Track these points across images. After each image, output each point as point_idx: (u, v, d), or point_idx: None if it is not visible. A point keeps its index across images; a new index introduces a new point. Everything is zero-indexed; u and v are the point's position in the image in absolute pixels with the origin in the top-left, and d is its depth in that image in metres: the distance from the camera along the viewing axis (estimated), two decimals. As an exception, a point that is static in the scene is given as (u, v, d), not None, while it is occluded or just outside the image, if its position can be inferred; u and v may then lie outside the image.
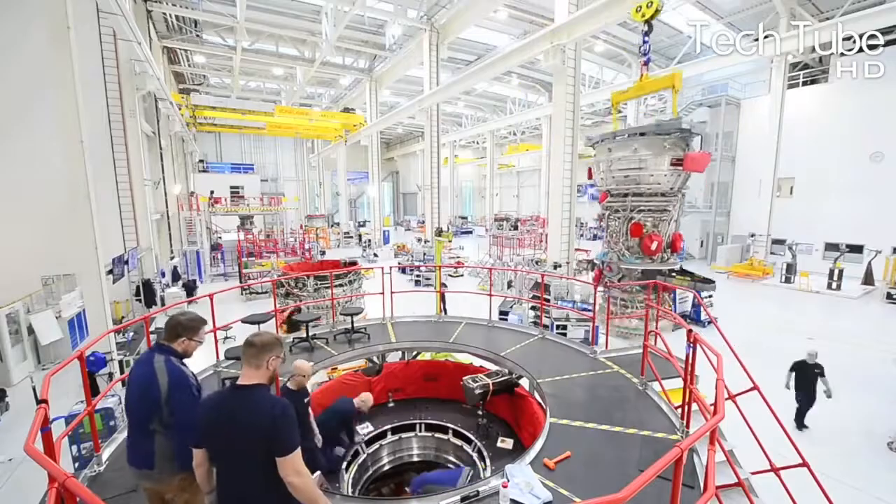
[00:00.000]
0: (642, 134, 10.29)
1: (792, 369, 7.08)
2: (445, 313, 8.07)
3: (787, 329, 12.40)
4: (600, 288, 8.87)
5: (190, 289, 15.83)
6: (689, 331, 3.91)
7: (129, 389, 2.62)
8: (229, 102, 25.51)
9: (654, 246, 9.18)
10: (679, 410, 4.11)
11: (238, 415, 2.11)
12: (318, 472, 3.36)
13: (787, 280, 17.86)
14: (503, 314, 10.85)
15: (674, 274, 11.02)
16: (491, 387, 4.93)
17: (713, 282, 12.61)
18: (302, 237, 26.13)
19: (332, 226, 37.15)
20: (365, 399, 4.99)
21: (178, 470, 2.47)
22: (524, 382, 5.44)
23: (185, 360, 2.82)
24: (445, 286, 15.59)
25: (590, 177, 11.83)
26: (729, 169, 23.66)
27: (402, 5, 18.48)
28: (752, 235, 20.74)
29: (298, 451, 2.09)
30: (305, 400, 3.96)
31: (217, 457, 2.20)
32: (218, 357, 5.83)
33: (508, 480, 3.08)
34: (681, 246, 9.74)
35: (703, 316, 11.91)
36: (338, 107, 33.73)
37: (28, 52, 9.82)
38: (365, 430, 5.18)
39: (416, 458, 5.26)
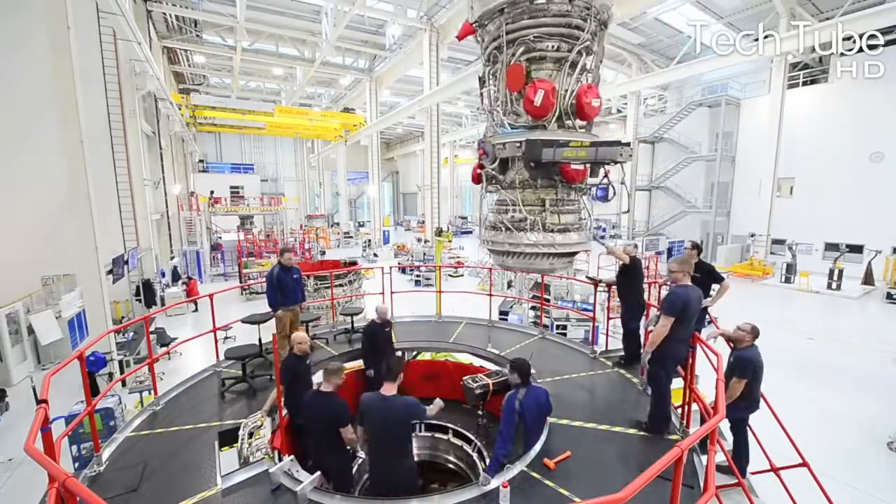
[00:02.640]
0: None
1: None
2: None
3: (788, 329, 12.41)
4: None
5: (188, 292, 15.76)
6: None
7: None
8: (229, 102, 25.51)
9: (538, 97, 4.42)
10: (679, 410, 4.11)
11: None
12: (318, 473, 3.36)
13: (787, 280, 17.86)
14: (503, 314, 10.84)
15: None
16: (491, 387, 4.92)
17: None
18: (302, 237, 26.15)
19: (332, 226, 37.17)
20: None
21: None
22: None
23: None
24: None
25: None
26: (729, 169, 23.67)
27: (402, 5, 18.48)
28: (752, 235, 20.75)
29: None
30: (308, 362, 4.70)
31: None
32: (218, 357, 5.83)
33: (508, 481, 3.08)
34: (590, 106, 4.79)
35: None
36: (338, 107, 33.74)
37: (28, 52, 9.83)
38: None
39: (415, 459, 5.25)
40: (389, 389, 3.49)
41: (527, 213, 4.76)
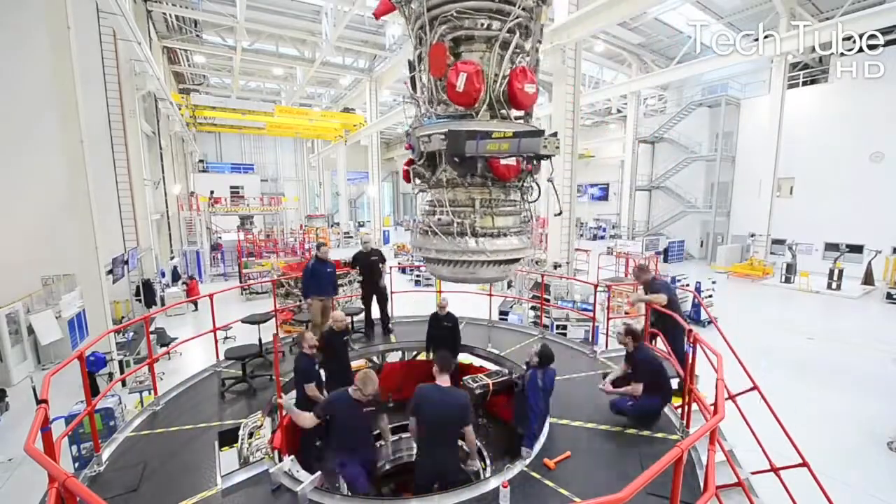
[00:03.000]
0: None
1: None
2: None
3: (788, 329, 12.41)
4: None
5: (188, 292, 15.78)
6: (689, 331, 3.91)
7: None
8: (229, 102, 25.48)
9: (460, 82, 3.73)
10: (679, 410, 4.11)
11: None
12: (319, 473, 3.36)
13: (787, 280, 17.86)
14: (503, 314, 10.85)
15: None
16: (491, 387, 4.92)
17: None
18: (302, 237, 26.13)
19: (332, 226, 37.15)
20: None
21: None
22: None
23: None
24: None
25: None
26: (729, 169, 23.67)
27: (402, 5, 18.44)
28: (752, 235, 20.75)
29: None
30: (345, 338, 5.24)
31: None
32: (218, 357, 5.83)
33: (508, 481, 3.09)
34: (523, 92, 3.95)
35: (703, 316, 11.92)
36: (338, 107, 33.71)
37: (28, 52, 9.83)
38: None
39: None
40: (444, 381, 3.54)
41: (454, 215, 4.02)
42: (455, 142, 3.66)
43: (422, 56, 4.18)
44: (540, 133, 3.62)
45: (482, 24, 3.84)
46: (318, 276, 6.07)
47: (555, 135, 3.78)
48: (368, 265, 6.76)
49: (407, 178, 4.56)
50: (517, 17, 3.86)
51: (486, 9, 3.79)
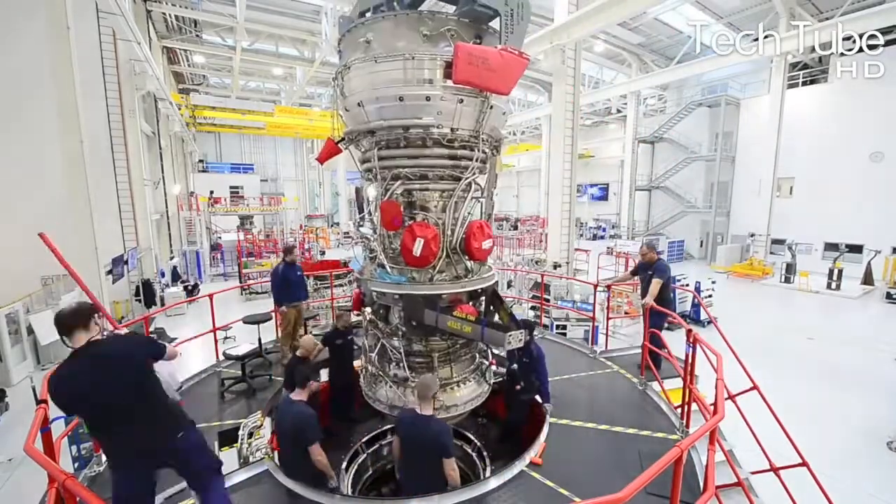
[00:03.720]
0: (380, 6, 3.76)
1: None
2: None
3: (787, 329, 12.41)
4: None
5: (190, 291, 15.84)
6: (689, 330, 3.92)
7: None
8: (229, 102, 25.48)
9: (416, 248, 3.49)
10: (679, 410, 4.11)
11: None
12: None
13: (787, 280, 17.86)
14: (503, 314, 10.83)
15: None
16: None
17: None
18: (302, 237, 26.11)
19: (332, 226, 37.14)
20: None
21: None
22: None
23: None
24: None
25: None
26: (729, 169, 23.67)
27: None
28: (752, 235, 20.75)
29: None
30: (349, 337, 5.09)
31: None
32: (217, 357, 5.83)
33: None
34: (480, 250, 3.78)
35: (703, 316, 11.92)
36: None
37: (27, 52, 9.83)
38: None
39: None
40: (426, 409, 3.28)
41: (410, 370, 3.81)
42: (412, 308, 3.58)
43: (370, 198, 3.97)
44: (506, 329, 3.45)
45: (437, 176, 3.66)
46: (289, 282, 5.69)
47: (528, 327, 3.58)
48: (338, 349, 4.96)
49: (357, 307, 4.30)
50: (473, 172, 3.75)
51: (440, 165, 3.63)
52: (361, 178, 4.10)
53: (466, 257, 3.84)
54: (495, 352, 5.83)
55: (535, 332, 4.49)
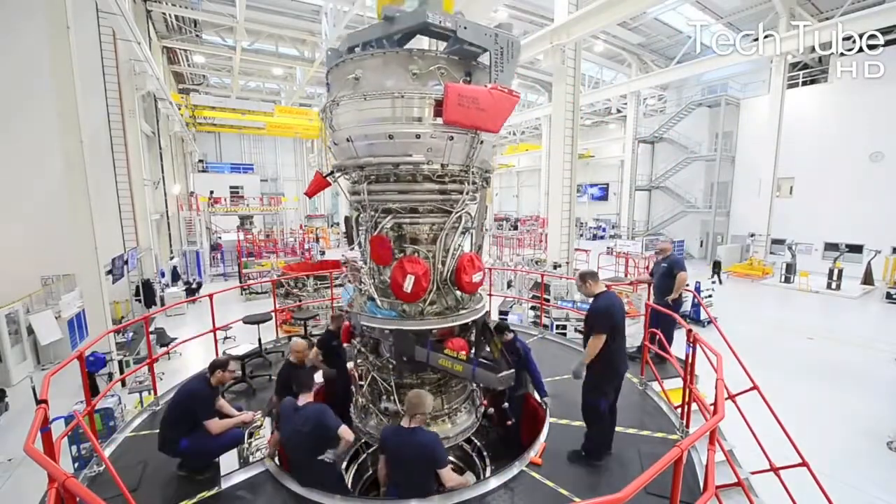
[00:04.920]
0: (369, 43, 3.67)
1: None
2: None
3: (787, 329, 12.41)
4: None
5: (194, 291, 15.86)
6: (689, 330, 3.91)
7: None
8: (229, 102, 25.50)
9: (407, 284, 3.47)
10: (679, 410, 4.11)
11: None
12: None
13: (787, 280, 17.86)
14: (503, 314, 10.84)
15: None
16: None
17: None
18: (302, 237, 26.11)
19: (332, 226, 37.13)
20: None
21: None
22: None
23: None
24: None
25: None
26: (729, 169, 23.68)
27: (402, 5, 18.43)
28: (752, 235, 20.75)
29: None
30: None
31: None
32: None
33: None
34: (471, 283, 3.78)
35: (703, 316, 11.92)
36: (338, 107, 33.68)
37: (27, 52, 9.83)
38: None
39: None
40: (415, 421, 3.13)
41: (401, 405, 3.68)
42: (403, 344, 3.56)
43: (361, 232, 3.91)
44: (496, 369, 3.43)
45: (427, 209, 3.63)
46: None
47: (513, 370, 3.50)
48: (333, 351, 4.75)
49: (346, 339, 4.25)
50: (464, 205, 3.71)
51: (430, 200, 3.60)
52: (351, 207, 4.03)
53: (457, 289, 3.83)
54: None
55: (513, 331, 4.43)
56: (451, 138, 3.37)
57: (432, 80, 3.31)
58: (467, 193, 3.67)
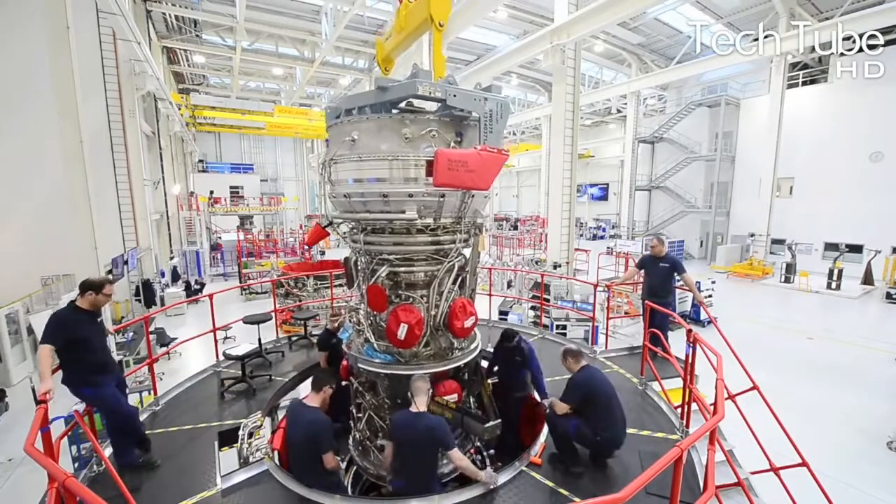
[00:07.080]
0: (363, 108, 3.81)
1: None
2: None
3: (787, 329, 12.42)
4: None
5: (197, 291, 15.88)
6: (689, 331, 3.92)
7: None
8: (229, 102, 25.48)
9: (401, 332, 3.65)
10: (679, 410, 4.11)
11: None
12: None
13: (787, 280, 17.86)
14: (503, 314, 10.84)
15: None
16: (490, 387, 4.91)
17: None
18: (302, 237, 26.11)
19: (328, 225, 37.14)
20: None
21: None
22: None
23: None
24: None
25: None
26: (728, 169, 23.68)
27: (402, 5, 18.42)
28: (752, 235, 20.75)
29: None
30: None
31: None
32: (217, 357, 5.83)
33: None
34: (462, 328, 3.94)
35: (703, 316, 11.92)
36: (338, 107, 33.69)
37: (28, 52, 9.83)
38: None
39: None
40: (421, 405, 3.30)
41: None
42: (397, 387, 3.84)
43: (357, 265, 4.20)
44: (484, 421, 3.65)
45: (422, 259, 3.84)
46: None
47: (498, 424, 3.66)
48: (332, 349, 5.02)
49: (345, 377, 4.41)
50: (458, 255, 3.95)
51: (424, 251, 3.81)
52: (351, 251, 4.24)
53: (450, 333, 3.99)
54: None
55: (517, 333, 4.68)
56: (443, 196, 3.56)
57: (424, 143, 3.48)
58: (460, 242, 3.91)
